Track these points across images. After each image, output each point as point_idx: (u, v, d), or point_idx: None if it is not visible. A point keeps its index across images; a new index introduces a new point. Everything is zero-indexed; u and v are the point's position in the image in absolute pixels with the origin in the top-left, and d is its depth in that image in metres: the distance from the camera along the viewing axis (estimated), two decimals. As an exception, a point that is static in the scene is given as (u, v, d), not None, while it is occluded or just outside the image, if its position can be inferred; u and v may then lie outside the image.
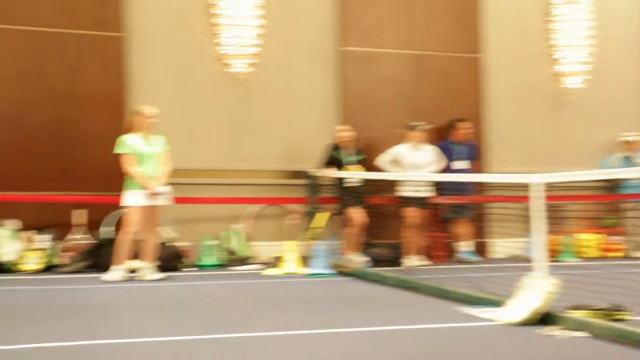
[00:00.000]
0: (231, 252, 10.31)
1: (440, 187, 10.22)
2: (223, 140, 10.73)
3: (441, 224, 10.76)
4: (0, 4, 9.87)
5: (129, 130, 8.64)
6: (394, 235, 10.21)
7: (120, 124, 9.13)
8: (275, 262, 9.73)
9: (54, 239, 9.63)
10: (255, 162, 10.80)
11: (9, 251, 9.37)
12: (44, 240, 9.56)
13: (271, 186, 10.80)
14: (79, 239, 9.69)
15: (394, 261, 10.05)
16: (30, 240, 9.52)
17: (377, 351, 4.84)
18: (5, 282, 8.46)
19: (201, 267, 9.99)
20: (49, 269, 9.41)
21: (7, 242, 9.41)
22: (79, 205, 9.76)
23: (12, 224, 9.55)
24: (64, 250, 9.59)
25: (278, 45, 10.91)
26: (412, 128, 10.29)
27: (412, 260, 10.04)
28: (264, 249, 10.44)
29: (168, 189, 8.61)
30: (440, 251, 10.58)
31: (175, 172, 8.87)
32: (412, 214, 10.06)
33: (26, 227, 9.60)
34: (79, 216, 9.78)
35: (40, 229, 9.66)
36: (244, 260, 10.19)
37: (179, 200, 9.15)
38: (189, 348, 4.97)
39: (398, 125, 10.50)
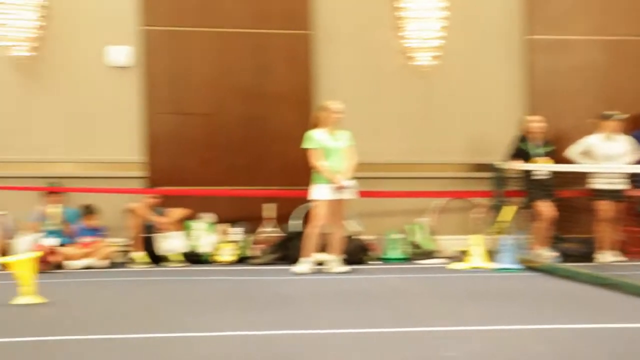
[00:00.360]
0: (416, 246, 10.30)
1: (637, 180, 9.65)
2: (407, 134, 10.73)
3: (638, 217, 10.17)
4: (197, 8, 10.41)
5: (315, 125, 8.84)
6: (586, 229, 9.76)
7: (307, 120, 9.37)
8: (460, 256, 9.60)
9: (246, 232, 10.05)
10: (440, 155, 10.71)
11: (205, 243, 9.89)
12: (237, 233, 10.01)
13: (456, 179, 10.67)
14: (269, 232, 10.06)
15: (586, 257, 9.63)
16: (224, 233, 9.99)
17: (579, 349, 4.66)
18: (203, 273, 8.93)
19: (386, 260, 10.05)
20: (241, 260, 9.83)
21: (204, 235, 9.93)
22: (269, 199, 10.13)
23: (209, 217, 10.08)
24: (256, 243, 9.98)
25: (462, 37, 10.75)
26: (606, 117, 9.78)
27: (605, 256, 9.57)
28: (449, 242, 10.33)
29: (354, 182, 8.73)
30: (638, 247, 10.01)
31: (361, 166, 8.97)
32: (605, 207, 9.58)
33: (221, 220, 10.09)
34: (269, 210, 10.15)
35: (234, 222, 10.11)
36: (428, 254, 10.14)
37: (364, 194, 9.25)
38: (375, 340, 5.01)
39: (589, 114, 10.03)
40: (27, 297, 6.47)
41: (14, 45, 9.92)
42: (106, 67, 10.23)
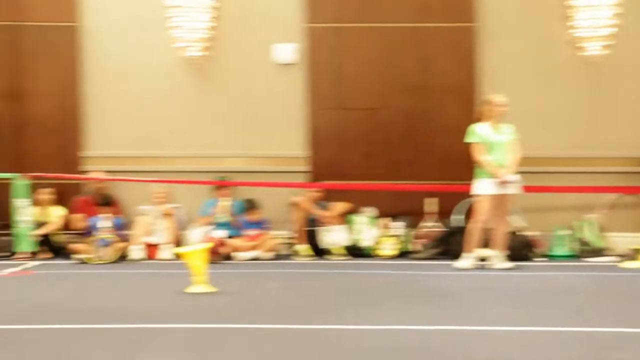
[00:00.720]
0: (584, 243, 9.92)
1: None
2: (575, 127, 10.34)
3: None
4: (360, 4, 10.51)
5: (479, 119, 8.72)
6: None
7: (470, 114, 9.25)
8: (633, 254, 9.15)
9: (407, 226, 10.06)
10: (610, 149, 10.25)
11: (367, 237, 10.00)
12: (398, 227, 10.04)
13: (628, 174, 10.17)
14: (431, 226, 10.02)
15: None
16: (386, 227, 10.05)
17: None
18: (365, 266, 9.04)
19: (552, 257, 9.75)
20: (402, 254, 9.85)
21: (366, 229, 10.04)
22: (430, 194, 10.08)
23: (370, 211, 10.17)
24: (417, 238, 9.98)
25: (636, 23, 10.21)
26: None
27: None
28: (620, 240, 9.87)
29: (517, 177, 8.54)
30: None
31: (525, 160, 8.75)
32: None
33: (382, 214, 10.16)
34: (431, 204, 10.11)
35: (395, 216, 10.15)
36: (598, 252, 9.74)
37: (528, 189, 9.01)
38: (540, 339, 4.90)
39: None
40: (199, 286, 6.80)
41: (187, 47, 10.42)
42: (273, 65, 10.54)
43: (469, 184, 8.72)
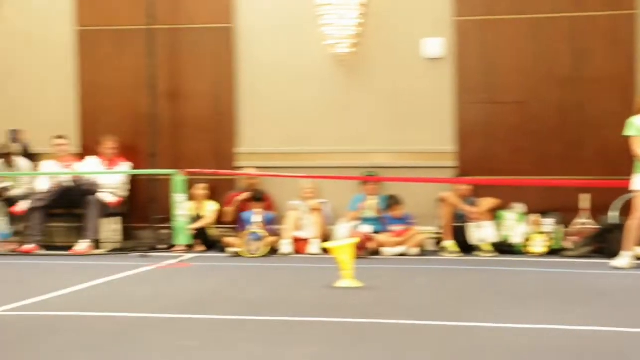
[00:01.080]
0: None
1: None
2: None
3: None
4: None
5: (638, 111, 8.33)
6: None
7: (629, 106, 8.84)
8: None
9: (558, 223, 9.76)
10: None
11: (517, 234, 9.77)
12: (549, 223, 9.75)
13: None
14: (584, 223, 9.66)
15: None
16: (536, 224, 9.78)
17: None
18: (514, 263, 8.85)
19: None
20: (553, 252, 9.56)
21: (515, 225, 9.82)
22: (583, 189, 9.73)
23: (520, 207, 9.93)
24: (568, 235, 9.66)
25: None
26: None
27: None
28: None
29: (680, 172, 8.09)
30: None
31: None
32: None
33: (532, 210, 9.90)
34: (584, 200, 9.75)
35: (545, 212, 9.87)
36: None
37: (692, 185, 8.52)
38: None
39: None
40: (346, 281, 6.90)
41: (337, 43, 10.56)
42: (421, 60, 10.48)
43: (627, 179, 8.35)
